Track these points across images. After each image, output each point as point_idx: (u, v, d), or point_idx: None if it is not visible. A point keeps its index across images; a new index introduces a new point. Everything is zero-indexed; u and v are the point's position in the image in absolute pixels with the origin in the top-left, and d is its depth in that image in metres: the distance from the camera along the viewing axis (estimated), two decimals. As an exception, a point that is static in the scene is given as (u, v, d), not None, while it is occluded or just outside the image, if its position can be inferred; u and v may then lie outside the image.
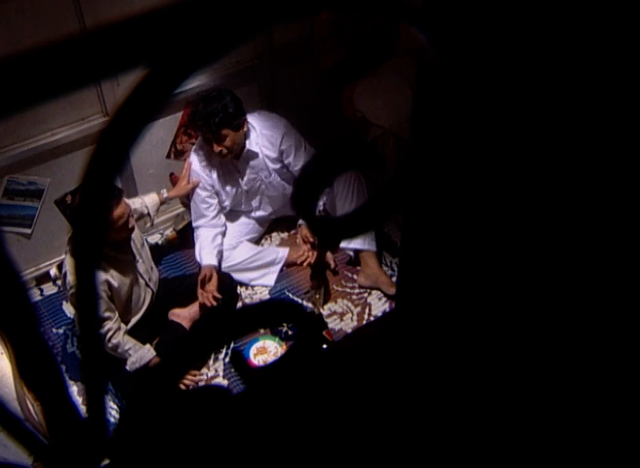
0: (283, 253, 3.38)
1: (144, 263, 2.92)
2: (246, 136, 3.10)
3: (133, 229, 2.75)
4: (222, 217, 3.31)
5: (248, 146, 3.13)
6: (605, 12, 0.60)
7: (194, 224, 3.26)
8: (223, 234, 3.29)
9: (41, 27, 2.61)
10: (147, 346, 2.81)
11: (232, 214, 3.39)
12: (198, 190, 3.21)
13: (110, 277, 2.67)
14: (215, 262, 3.15)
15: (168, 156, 3.40)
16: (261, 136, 3.15)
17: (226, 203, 3.31)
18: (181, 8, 0.33)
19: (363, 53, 3.47)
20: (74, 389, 2.78)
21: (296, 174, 3.23)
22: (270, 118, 3.23)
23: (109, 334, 2.68)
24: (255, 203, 3.36)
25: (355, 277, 3.32)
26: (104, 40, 0.32)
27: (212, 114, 2.92)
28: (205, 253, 3.16)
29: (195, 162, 3.19)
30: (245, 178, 3.24)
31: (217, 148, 3.01)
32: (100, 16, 2.73)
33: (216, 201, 3.25)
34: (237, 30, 0.34)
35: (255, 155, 3.17)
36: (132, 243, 2.85)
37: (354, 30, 3.38)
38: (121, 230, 2.65)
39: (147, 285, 2.95)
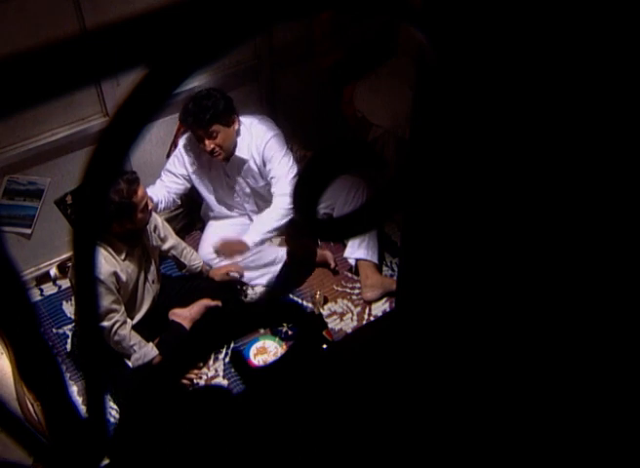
0: (283, 252, 3.38)
1: (153, 264, 2.93)
2: (238, 133, 3.09)
3: (151, 213, 2.79)
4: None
5: (237, 153, 3.11)
6: (604, 12, 0.60)
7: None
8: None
9: (41, 27, 2.61)
10: (151, 344, 2.83)
11: (232, 217, 3.39)
12: (172, 168, 3.19)
13: (119, 270, 2.68)
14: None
15: (168, 156, 3.40)
16: (254, 139, 3.15)
17: (212, 203, 3.32)
18: (182, 8, 0.33)
19: (363, 53, 3.47)
20: (74, 389, 2.78)
21: (270, 181, 3.19)
22: (264, 121, 3.21)
23: (116, 327, 2.68)
24: (249, 207, 3.36)
25: (356, 277, 3.32)
26: (104, 40, 0.32)
27: (202, 110, 2.93)
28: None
29: (183, 148, 3.17)
30: (233, 181, 3.24)
31: (208, 145, 3.00)
32: (100, 16, 2.73)
33: (178, 188, 3.23)
34: (237, 30, 0.34)
35: (243, 161, 3.16)
36: (147, 240, 2.87)
37: (354, 30, 3.38)
38: (144, 211, 2.70)
39: (151, 285, 2.95)
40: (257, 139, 3.15)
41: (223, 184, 3.26)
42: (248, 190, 3.28)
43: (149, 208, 2.75)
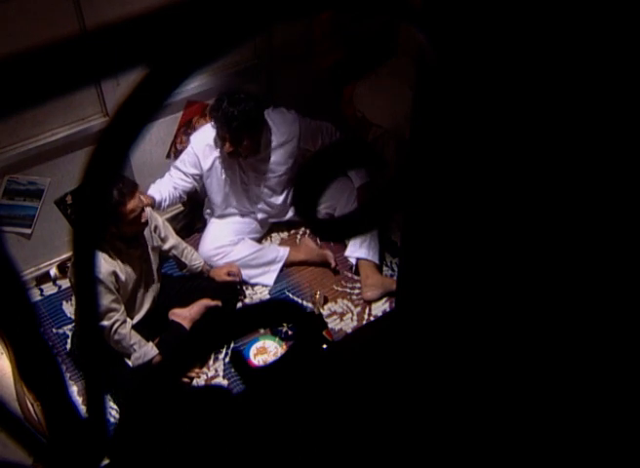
0: (284, 252, 3.38)
1: (152, 264, 2.93)
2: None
3: (145, 224, 2.74)
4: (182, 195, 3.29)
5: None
6: (604, 12, 0.60)
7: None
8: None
9: (41, 27, 2.61)
10: (151, 344, 2.83)
11: (235, 213, 3.39)
12: (182, 166, 3.18)
13: (118, 269, 2.68)
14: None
15: (168, 156, 3.40)
16: (275, 134, 3.15)
17: (218, 202, 3.31)
18: (181, 8, 0.33)
19: (363, 53, 3.47)
20: (74, 389, 2.78)
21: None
22: (283, 114, 3.23)
23: (116, 326, 2.68)
24: (257, 204, 3.36)
25: (356, 277, 3.32)
26: (104, 40, 0.32)
27: (235, 116, 2.91)
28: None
29: (197, 145, 3.16)
30: (246, 178, 3.24)
31: (228, 148, 3.01)
32: (100, 16, 2.73)
33: (186, 186, 3.21)
34: (237, 30, 0.34)
35: (263, 158, 3.17)
36: (146, 240, 2.86)
37: (354, 30, 3.38)
38: (133, 224, 2.65)
39: (151, 285, 2.95)
40: (282, 127, 3.15)
41: (237, 180, 3.25)
42: (260, 185, 3.28)
43: (142, 220, 2.70)
